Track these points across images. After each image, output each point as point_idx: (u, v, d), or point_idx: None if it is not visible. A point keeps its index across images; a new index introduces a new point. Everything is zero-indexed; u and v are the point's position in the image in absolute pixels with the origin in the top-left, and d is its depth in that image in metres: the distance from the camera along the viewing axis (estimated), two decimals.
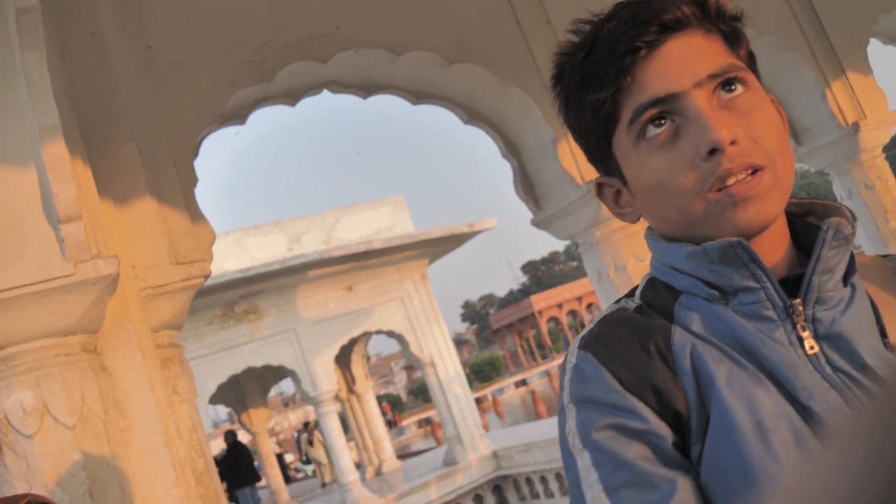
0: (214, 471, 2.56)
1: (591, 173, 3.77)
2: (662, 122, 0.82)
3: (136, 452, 2.22)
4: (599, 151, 0.93)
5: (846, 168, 5.29)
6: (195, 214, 2.69)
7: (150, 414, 2.25)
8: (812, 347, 0.82)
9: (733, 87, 0.82)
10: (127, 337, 2.29)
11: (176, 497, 2.23)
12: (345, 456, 11.82)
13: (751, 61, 0.89)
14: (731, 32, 0.86)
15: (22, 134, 2.03)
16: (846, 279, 0.87)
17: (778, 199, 0.82)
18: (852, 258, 0.88)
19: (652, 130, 0.82)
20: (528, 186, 4.00)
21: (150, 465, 2.23)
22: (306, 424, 20.98)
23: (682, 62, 0.81)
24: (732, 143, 0.78)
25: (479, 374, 56.26)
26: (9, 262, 2.01)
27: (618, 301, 0.95)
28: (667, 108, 0.81)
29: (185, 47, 2.95)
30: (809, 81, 5.06)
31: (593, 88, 0.85)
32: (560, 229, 4.00)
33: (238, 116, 3.27)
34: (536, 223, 4.07)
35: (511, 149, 3.99)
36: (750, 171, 0.79)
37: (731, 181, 0.79)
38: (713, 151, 0.78)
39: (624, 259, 3.77)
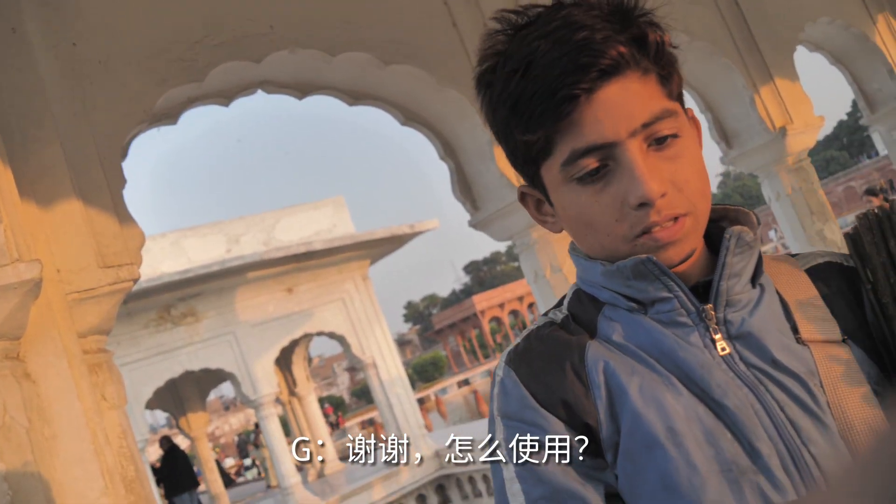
0: (146, 478, 2.50)
1: None
2: (598, 170, 0.83)
3: (63, 461, 2.16)
4: (526, 168, 0.94)
5: (774, 171, 5.44)
6: (123, 217, 2.63)
7: (76, 421, 2.20)
8: (724, 349, 0.87)
9: (664, 139, 0.84)
10: (51, 343, 2.23)
11: None
12: (286, 459, 11.71)
13: (679, 91, 0.90)
14: (665, 72, 0.86)
15: None
16: (754, 281, 0.92)
17: (696, 237, 0.87)
18: (760, 260, 0.93)
19: (586, 177, 0.84)
20: (465, 188, 4.02)
21: (78, 474, 2.17)
22: (256, 426, 20.71)
23: (619, 109, 0.81)
24: (661, 196, 0.82)
25: (422, 374, 56.29)
26: None
27: (546, 313, 1.00)
28: (602, 154, 0.83)
29: (113, 45, 2.88)
30: (739, 86, 5.22)
31: (528, 127, 0.85)
32: (498, 230, 4.03)
33: (169, 116, 3.21)
34: (474, 224, 4.10)
35: (448, 150, 4.01)
36: (673, 219, 0.83)
37: (655, 229, 0.84)
38: (643, 204, 0.82)
39: (560, 260, 3.82)
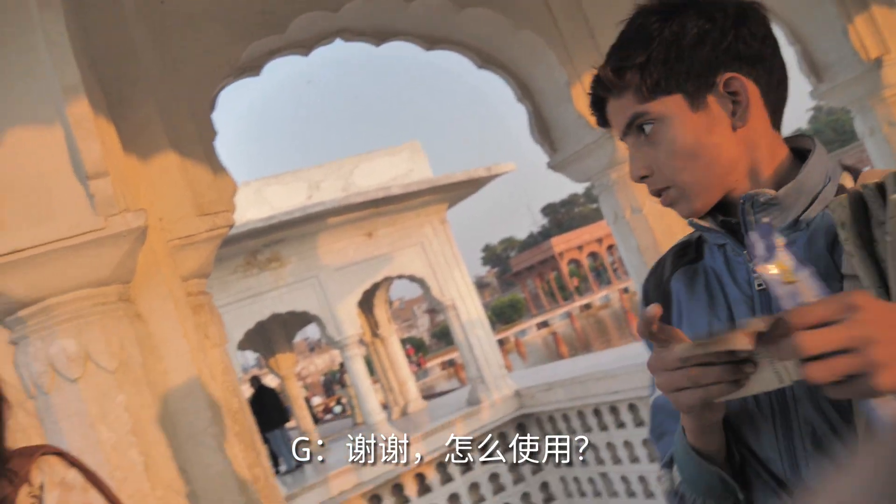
0: (248, 410, 2.69)
1: None
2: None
3: (174, 394, 2.35)
4: None
5: (868, 105, 5.16)
6: (216, 167, 2.77)
7: (184, 358, 2.38)
8: (760, 285, 1.06)
9: (643, 128, 1.08)
10: (158, 286, 2.40)
11: (213, 435, 2.37)
12: (371, 398, 12.10)
13: (667, 83, 1.06)
14: (637, 85, 1.07)
15: (45, 94, 2.10)
16: (796, 225, 1.05)
17: (692, 198, 1.09)
18: (814, 203, 1.04)
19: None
20: (543, 130, 4.02)
21: (188, 406, 2.36)
22: (341, 365, 21.45)
23: (613, 118, 1.12)
24: (644, 177, 1.10)
25: (501, 316, 56.68)
26: (42, 218, 2.11)
27: (691, 234, 1.26)
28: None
29: (198, 2, 2.99)
30: (831, 16, 4.94)
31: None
32: (576, 172, 4.04)
33: (252, 68, 3.32)
34: (552, 166, 4.11)
35: (525, 92, 4.01)
36: (658, 193, 1.10)
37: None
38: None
39: (640, 201, 3.81)
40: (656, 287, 1.23)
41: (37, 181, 2.13)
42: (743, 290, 1.08)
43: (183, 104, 2.74)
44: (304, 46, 3.62)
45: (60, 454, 1.53)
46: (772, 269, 0.92)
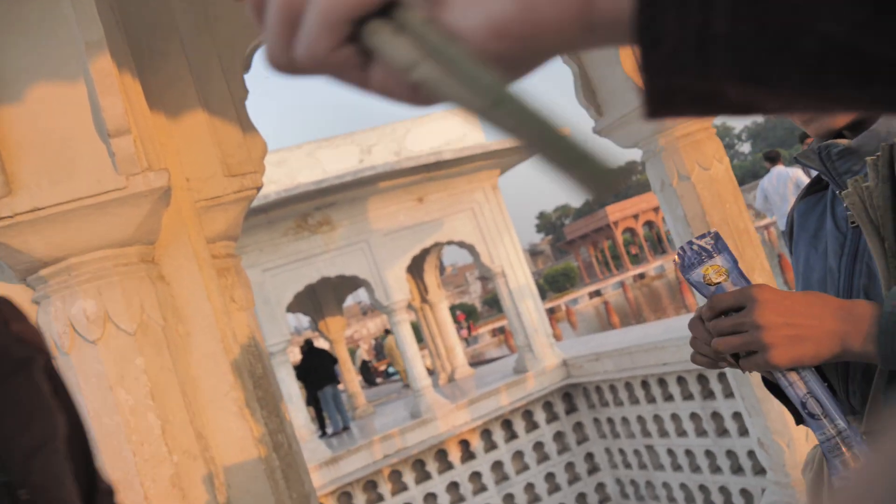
0: (273, 375, 2.66)
1: None
2: None
3: (196, 357, 2.32)
4: None
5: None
6: (246, 126, 2.71)
7: (207, 321, 2.34)
8: (853, 223, 1.08)
9: None
10: (183, 247, 2.37)
11: (234, 400, 2.34)
12: (417, 363, 12.14)
13: None
14: None
15: (69, 49, 2.06)
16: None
17: (826, 119, 1.07)
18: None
19: None
20: (588, 93, 3.86)
21: (209, 370, 2.33)
22: (387, 331, 21.61)
23: None
24: None
25: (554, 284, 56.39)
26: (64, 176, 2.08)
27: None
28: None
29: None
30: None
31: None
32: (622, 137, 3.87)
33: None
34: (598, 131, 3.95)
35: (571, 54, 3.83)
36: None
37: None
38: None
39: (688, 168, 3.63)
40: (791, 214, 1.29)
41: (59, 139, 2.10)
42: (840, 226, 1.12)
43: (214, 61, 2.68)
44: None
45: None
46: (698, 274, 1.09)
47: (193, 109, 2.59)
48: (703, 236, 1.10)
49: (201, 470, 2.18)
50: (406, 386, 18.77)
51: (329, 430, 14.04)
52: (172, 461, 2.09)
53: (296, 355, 24.05)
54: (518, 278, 13.00)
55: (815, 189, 1.24)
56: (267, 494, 2.32)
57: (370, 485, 10.89)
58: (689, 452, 9.48)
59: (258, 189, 2.67)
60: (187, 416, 2.20)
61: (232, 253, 2.70)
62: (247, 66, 2.84)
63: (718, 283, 1.07)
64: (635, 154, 4.03)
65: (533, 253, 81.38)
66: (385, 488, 10.91)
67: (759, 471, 8.24)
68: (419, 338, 19.86)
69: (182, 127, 2.57)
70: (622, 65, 3.53)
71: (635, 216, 59.24)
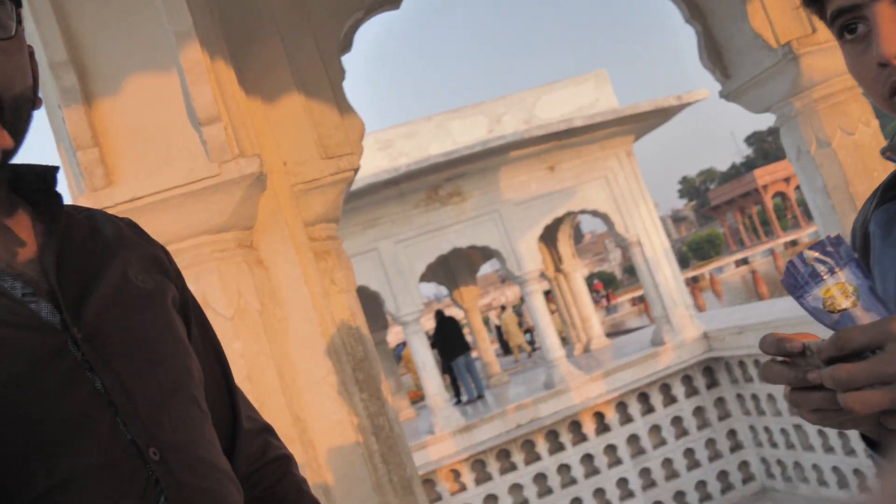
0: (375, 358, 2.65)
1: (787, 33, 3.28)
2: (854, 28, 0.87)
3: (293, 341, 2.34)
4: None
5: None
6: (344, 108, 2.68)
7: (304, 305, 2.35)
8: None
9: None
10: (280, 231, 2.38)
11: (331, 384, 2.34)
12: (550, 333, 12.01)
13: None
14: None
15: (160, 41, 2.09)
16: None
17: None
18: None
19: (846, 35, 0.88)
20: (714, 53, 3.56)
21: (306, 353, 2.34)
22: (522, 300, 21.60)
23: None
24: None
25: (697, 251, 54.24)
26: (160, 165, 2.13)
27: None
28: (856, 14, 0.86)
29: None
30: None
31: None
32: (753, 101, 3.55)
33: (391, 1, 3.17)
34: (725, 95, 3.64)
35: (694, 11, 3.54)
36: None
37: None
38: (882, 64, 0.84)
39: (829, 133, 3.28)
40: (861, 225, 1.03)
41: (155, 129, 2.15)
42: None
43: (310, 42, 2.67)
44: None
45: None
46: (815, 298, 0.80)
47: (290, 93, 2.59)
48: (819, 245, 0.81)
49: (299, 453, 2.21)
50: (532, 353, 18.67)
51: (464, 398, 14.22)
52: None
53: (429, 324, 24.50)
54: (655, 247, 12.53)
55: (891, 195, 0.98)
56: (365, 477, 2.32)
57: (503, 453, 10.94)
58: (842, 434, 8.84)
59: (355, 170, 2.65)
60: (284, 399, 2.22)
61: (332, 235, 2.70)
62: (345, 47, 2.80)
63: (844, 309, 0.78)
64: (768, 119, 3.69)
65: (675, 219, 78.58)
66: (518, 457, 10.92)
67: None
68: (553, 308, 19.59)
69: (279, 111, 2.58)
70: (750, 21, 3.22)
71: (786, 179, 55.61)
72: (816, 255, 0.81)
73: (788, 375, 0.79)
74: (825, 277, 0.80)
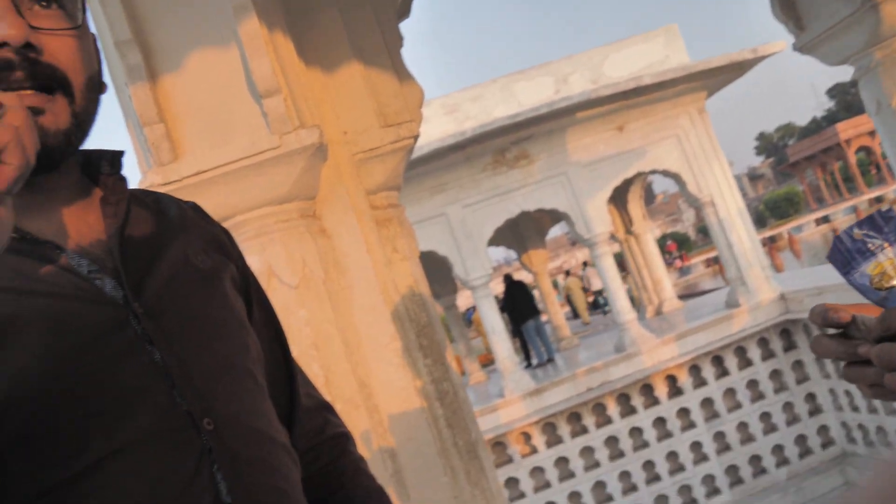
0: (438, 324, 2.67)
1: None
2: None
3: (357, 309, 2.38)
4: None
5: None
6: (402, 75, 2.68)
7: (366, 273, 2.39)
8: None
9: None
10: (341, 201, 2.41)
11: (395, 350, 2.38)
12: (621, 296, 11.88)
13: None
14: None
15: (220, 15, 2.12)
16: None
17: None
18: None
19: None
20: (787, 5, 3.39)
21: (370, 320, 2.38)
22: (585, 264, 21.40)
23: None
24: None
25: (775, 210, 52.53)
26: (223, 138, 2.18)
27: None
28: None
29: None
30: None
31: None
32: (829, 53, 3.38)
33: None
34: (799, 48, 3.48)
35: None
36: None
37: None
38: None
39: None
40: None
41: (217, 103, 2.19)
42: None
43: (368, 11, 2.66)
44: None
45: None
46: (863, 274, 0.76)
47: (348, 62, 2.60)
48: (868, 219, 0.77)
49: (364, 418, 2.26)
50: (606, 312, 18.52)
51: (534, 362, 14.25)
52: (335, 410, 2.17)
53: (497, 288, 24.55)
54: (729, 207, 12.19)
55: None
56: (429, 442, 2.36)
57: (574, 416, 10.94)
58: None
59: (415, 138, 2.65)
60: (349, 366, 2.27)
61: (394, 203, 2.72)
62: (403, 13, 2.79)
63: (893, 286, 0.76)
64: (846, 72, 3.52)
65: (752, 177, 76.13)
66: (589, 420, 10.91)
67: None
68: (623, 270, 19.33)
69: (337, 80, 2.60)
70: None
71: (871, 133, 52.95)
72: (866, 230, 0.78)
73: (837, 350, 0.75)
74: (875, 252, 0.77)
